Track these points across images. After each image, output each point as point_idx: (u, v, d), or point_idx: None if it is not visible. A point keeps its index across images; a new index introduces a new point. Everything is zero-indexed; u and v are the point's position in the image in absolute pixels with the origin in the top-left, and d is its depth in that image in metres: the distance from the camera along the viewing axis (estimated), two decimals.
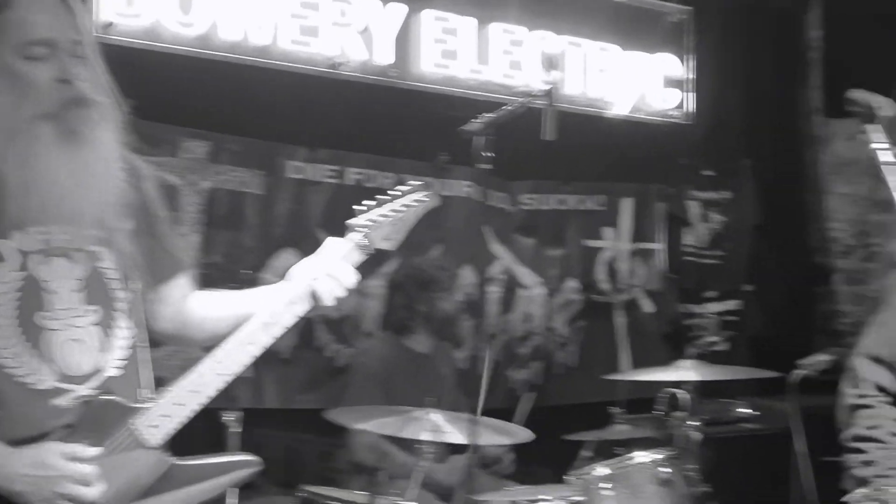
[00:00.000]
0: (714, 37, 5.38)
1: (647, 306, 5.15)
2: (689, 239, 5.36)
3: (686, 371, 3.65)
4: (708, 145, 5.40)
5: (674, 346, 4.88)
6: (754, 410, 4.66)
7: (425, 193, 2.02)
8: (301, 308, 1.89)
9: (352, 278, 1.93)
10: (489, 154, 2.42)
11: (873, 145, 1.71)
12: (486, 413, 2.87)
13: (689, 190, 5.36)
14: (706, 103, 5.32)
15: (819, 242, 5.78)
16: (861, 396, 1.88)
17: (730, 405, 4.70)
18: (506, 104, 2.62)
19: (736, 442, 4.52)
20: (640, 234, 5.14)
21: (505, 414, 4.09)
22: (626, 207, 5.12)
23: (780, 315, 5.55)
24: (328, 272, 1.92)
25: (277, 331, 1.87)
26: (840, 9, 5.60)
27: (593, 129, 4.87)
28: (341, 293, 1.91)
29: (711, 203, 5.44)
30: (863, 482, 1.81)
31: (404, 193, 2.02)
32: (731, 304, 5.46)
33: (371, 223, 1.97)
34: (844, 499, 1.82)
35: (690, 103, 5.24)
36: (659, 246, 5.20)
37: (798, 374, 3.53)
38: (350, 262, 1.95)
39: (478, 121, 2.44)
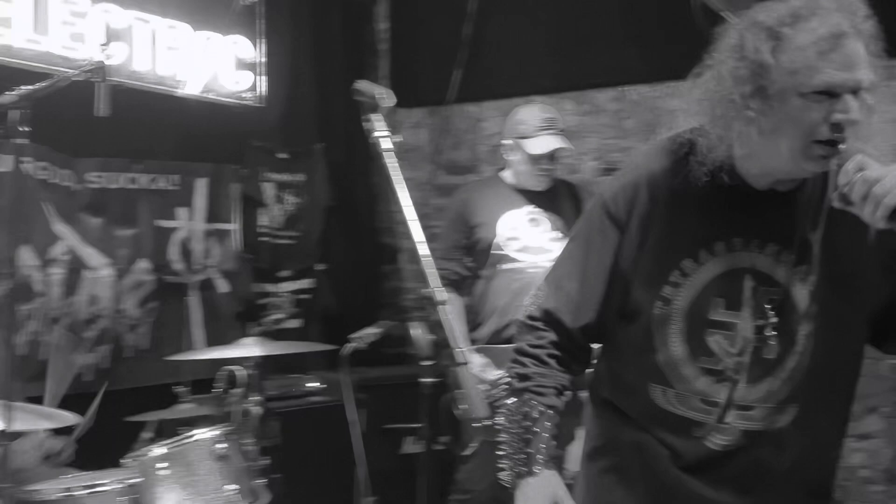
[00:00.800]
0: (285, 22, 5.50)
1: (222, 286, 5.19)
2: (263, 220, 5.46)
3: (249, 348, 3.74)
4: (281, 128, 5.53)
5: (246, 324, 4.96)
6: (322, 384, 4.86)
7: None
8: None
9: None
10: (26, 128, 2.34)
11: (376, 133, 1.87)
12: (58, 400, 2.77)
13: (264, 172, 5.45)
14: (279, 87, 5.44)
15: (386, 224, 6.14)
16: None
17: (299, 380, 4.87)
18: (52, 77, 2.54)
19: (307, 414, 4.69)
20: (214, 214, 5.15)
21: (75, 400, 3.98)
22: (201, 188, 5.11)
23: (350, 292, 5.82)
24: None
25: None
26: (406, 2, 5.97)
27: (165, 107, 4.82)
28: None
29: (286, 185, 5.58)
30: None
31: None
32: (304, 283, 5.64)
33: None
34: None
35: (263, 86, 5.33)
36: (234, 226, 5.25)
37: (349, 346, 3.74)
38: None
39: (12, 93, 2.34)
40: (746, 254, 1.86)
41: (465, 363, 1.73)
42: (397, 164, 1.86)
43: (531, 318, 2.03)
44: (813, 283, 1.85)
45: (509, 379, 2.01)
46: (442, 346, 1.79)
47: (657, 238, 1.88)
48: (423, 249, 1.84)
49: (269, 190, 5.51)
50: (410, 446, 5.02)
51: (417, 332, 1.78)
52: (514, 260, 3.95)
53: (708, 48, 1.91)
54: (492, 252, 3.96)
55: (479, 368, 3.87)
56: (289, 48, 5.52)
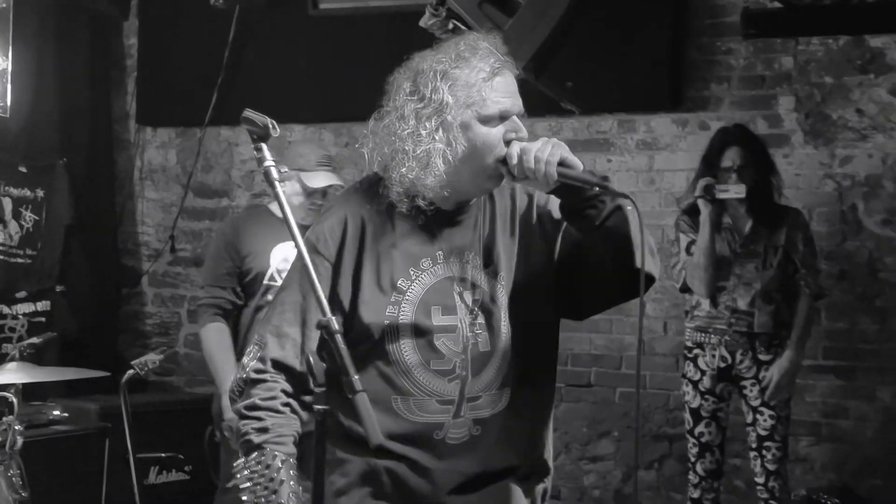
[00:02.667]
0: (32, 31, 5.22)
1: None
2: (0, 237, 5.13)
3: (10, 373, 3.52)
4: (23, 141, 5.23)
5: None
6: (63, 412, 4.62)
7: None
8: None
9: None
10: None
11: (266, 163, 1.87)
12: None
13: (3, 185, 5.13)
14: (23, 97, 5.14)
15: (128, 245, 5.92)
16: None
17: (42, 407, 4.60)
18: None
19: (52, 444, 4.45)
20: None
21: None
22: None
23: (88, 315, 5.57)
24: None
25: None
26: (156, 19, 5.82)
27: None
28: None
29: (24, 200, 5.26)
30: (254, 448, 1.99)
31: None
32: (41, 305, 5.33)
33: None
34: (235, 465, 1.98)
35: (7, 96, 5.02)
36: None
37: (129, 373, 3.60)
38: None
39: None
40: (447, 265, 2.10)
41: (362, 391, 1.75)
42: (282, 193, 1.86)
43: (257, 371, 2.07)
44: (503, 280, 2.12)
45: (246, 437, 2.03)
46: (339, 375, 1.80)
47: (371, 265, 2.08)
48: (314, 278, 1.84)
49: (6, 205, 5.18)
50: (156, 476, 4.87)
51: (314, 360, 1.77)
52: None
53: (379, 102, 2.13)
54: (264, 283, 3.93)
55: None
56: (34, 57, 5.23)
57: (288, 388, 2.05)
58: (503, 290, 2.12)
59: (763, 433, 4.17)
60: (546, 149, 1.99)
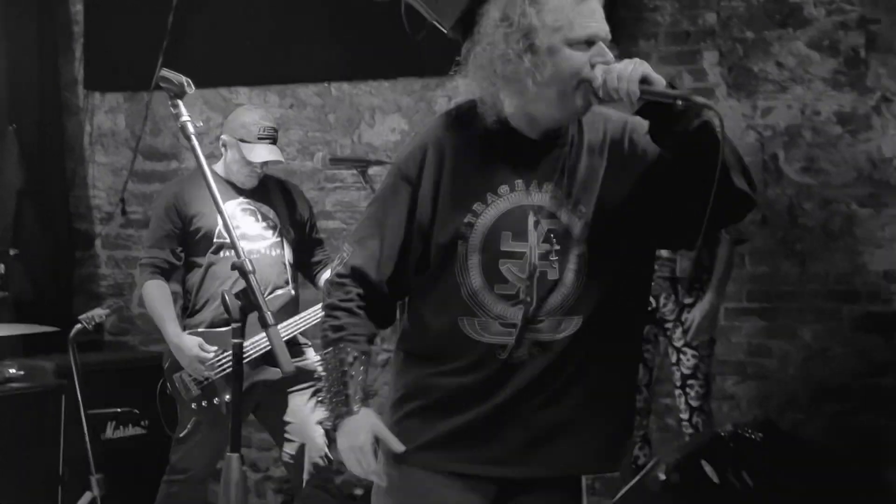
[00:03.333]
0: None
1: None
2: None
3: None
4: None
5: None
6: (19, 370, 4.76)
7: None
8: None
9: None
10: None
11: (182, 118, 2.02)
12: None
13: None
14: None
15: (80, 209, 6.05)
16: None
17: None
18: None
19: (9, 402, 4.58)
20: None
21: None
22: None
23: (43, 278, 5.70)
24: None
25: None
26: None
27: None
28: None
29: None
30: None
31: None
32: None
33: None
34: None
35: None
36: None
37: (77, 327, 3.75)
38: None
39: None
40: (526, 193, 2.17)
41: (273, 325, 1.93)
42: (199, 148, 2.02)
43: (339, 275, 2.26)
44: (583, 210, 2.16)
45: (324, 333, 2.22)
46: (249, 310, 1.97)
47: (448, 188, 2.17)
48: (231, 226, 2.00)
49: None
50: (113, 431, 5.03)
51: (229, 297, 1.95)
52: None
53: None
54: (214, 240, 4.08)
55: (195, 348, 3.97)
56: None
57: (363, 293, 2.22)
58: (582, 221, 2.17)
59: (686, 372, 4.41)
60: (628, 67, 2.02)
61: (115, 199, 5.98)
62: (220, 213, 1.99)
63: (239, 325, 1.91)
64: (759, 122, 4.95)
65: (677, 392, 4.47)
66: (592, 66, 2.08)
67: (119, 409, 5.02)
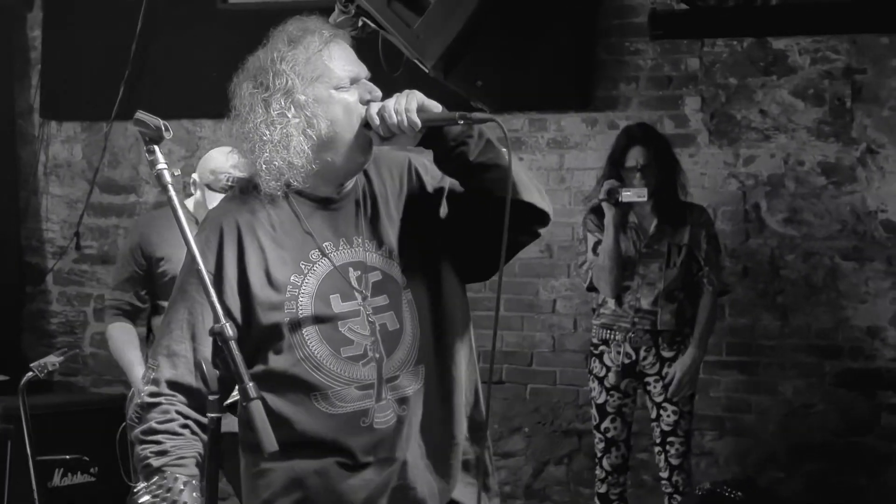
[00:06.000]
0: None
1: None
2: None
3: None
4: None
5: None
6: None
7: None
8: None
9: None
10: None
11: (159, 166, 1.83)
12: None
13: None
14: None
15: (32, 242, 5.79)
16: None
17: None
18: None
19: None
20: None
21: None
22: None
23: None
24: None
25: None
26: (61, 11, 5.69)
27: None
28: None
29: None
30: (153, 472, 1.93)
31: None
32: None
33: None
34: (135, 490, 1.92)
35: None
36: None
37: (28, 375, 3.52)
38: None
39: None
40: (338, 252, 2.08)
41: (257, 398, 1.73)
42: (175, 197, 1.83)
43: (152, 395, 2.02)
44: (397, 257, 2.10)
45: (146, 462, 1.97)
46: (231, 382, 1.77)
47: (257, 268, 2.03)
48: (209, 281, 1.81)
49: None
50: (61, 478, 4.78)
51: (207, 368, 1.75)
52: None
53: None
54: None
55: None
56: None
57: (185, 408, 2.00)
58: (399, 267, 2.10)
59: (667, 428, 4.25)
60: (402, 100, 2.00)
61: (68, 233, 5.73)
62: (199, 271, 1.80)
63: (217, 397, 1.71)
64: (741, 170, 4.84)
65: (657, 449, 4.30)
66: (364, 104, 2.05)
67: (68, 456, 4.77)
